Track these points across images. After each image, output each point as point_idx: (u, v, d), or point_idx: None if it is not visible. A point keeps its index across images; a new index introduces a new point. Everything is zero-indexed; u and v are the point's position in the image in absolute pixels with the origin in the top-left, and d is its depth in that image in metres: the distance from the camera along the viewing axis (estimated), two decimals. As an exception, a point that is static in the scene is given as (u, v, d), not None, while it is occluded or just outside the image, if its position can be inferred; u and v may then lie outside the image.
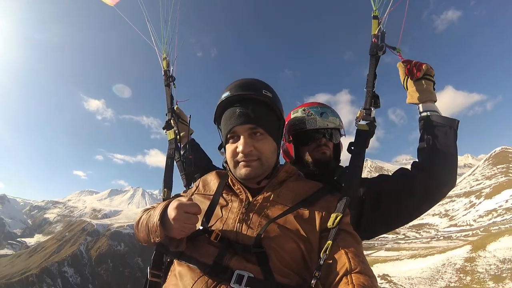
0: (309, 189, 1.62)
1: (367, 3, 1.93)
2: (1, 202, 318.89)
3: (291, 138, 2.19)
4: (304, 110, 2.17)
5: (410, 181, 1.80)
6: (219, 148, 1.78)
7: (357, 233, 1.46)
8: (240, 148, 1.52)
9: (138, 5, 2.60)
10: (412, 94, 1.90)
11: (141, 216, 1.68)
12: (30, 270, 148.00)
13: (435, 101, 1.87)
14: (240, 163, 1.56)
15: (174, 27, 2.54)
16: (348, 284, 1.18)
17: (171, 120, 2.43)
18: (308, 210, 1.49)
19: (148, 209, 1.74)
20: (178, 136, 2.36)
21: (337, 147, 2.24)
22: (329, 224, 1.42)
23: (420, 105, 1.88)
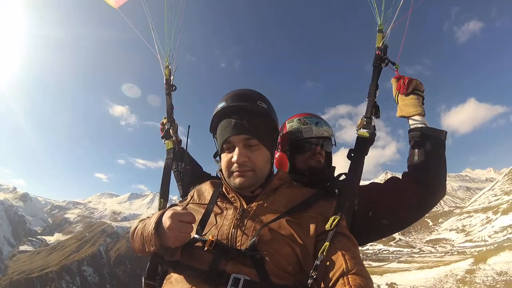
0: (302, 195, 1.64)
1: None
2: (23, 200, 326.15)
3: (286, 147, 2.26)
4: (299, 119, 2.24)
5: (400, 191, 1.85)
6: (214, 157, 1.83)
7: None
8: (234, 158, 1.54)
9: (143, 10, 2.57)
10: (401, 108, 1.95)
11: (137, 226, 1.69)
12: (49, 267, 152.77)
13: (424, 115, 1.91)
14: (235, 173, 1.58)
15: (178, 35, 2.51)
16: (345, 285, 1.19)
17: (171, 130, 2.40)
18: (302, 215, 1.51)
19: (143, 219, 1.76)
20: (177, 147, 2.37)
21: (329, 156, 2.31)
22: (327, 226, 1.43)
23: (410, 119, 1.93)
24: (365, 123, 1.85)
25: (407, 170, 1.89)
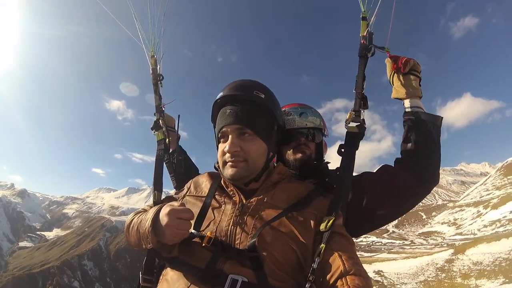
0: (302, 191, 1.59)
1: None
2: (21, 196, 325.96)
3: None
4: (284, 111, 2.13)
5: (392, 179, 1.78)
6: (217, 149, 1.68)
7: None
8: (227, 148, 1.50)
9: (124, 1, 2.43)
10: (397, 89, 1.85)
11: (132, 220, 1.66)
12: (50, 262, 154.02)
13: (420, 97, 1.83)
14: (228, 163, 1.53)
15: (162, 24, 2.43)
16: (344, 286, 1.17)
17: (160, 120, 2.32)
18: (302, 212, 1.46)
19: (139, 212, 1.73)
20: (168, 138, 2.28)
21: (319, 147, 2.20)
22: (322, 227, 1.39)
23: (406, 101, 1.83)
24: (354, 116, 1.80)
25: (400, 156, 1.84)
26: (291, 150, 2.10)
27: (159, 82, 2.41)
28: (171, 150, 2.42)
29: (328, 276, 1.24)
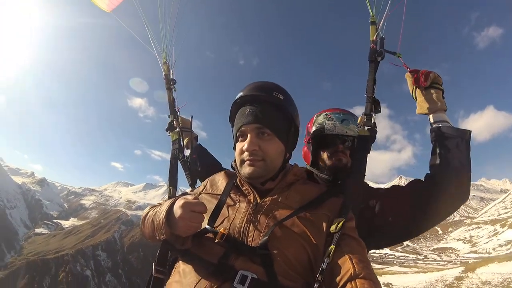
0: (316, 192, 1.60)
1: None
2: (40, 185, 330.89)
3: (309, 140, 2.19)
4: (326, 114, 2.13)
5: (422, 195, 1.75)
6: (234, 149, 1.68)
7: (364, 240, 1.44)
8: (245, 146, 1.51)
9: (136, 11, 2.56)
10: (421, 105, 1.83)
11: (148, 213, 1.69)
12: (64, 250, 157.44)
13: (445, 110, 1.80)
14: (246, 162, 1.54)
15: (173, 32, 2.54)
16: None
17: (174, 122, 2.44)
18: (314, 212, 1.47)
19: (154, 206, 1.75)
20: (182, 138, 2.43)
21: None
22: (332, 229, 1.39)
23: (431, 116, 1.81)
24: (365, 120, 1.82)
25: (429, 172, 1.80)
26: (327, 155, 2.10)
27: (172, 87, 2.60)
28: (186, 153, 2.54)
29: (337, 278, 1.24)
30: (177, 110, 2.58)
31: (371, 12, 1.92)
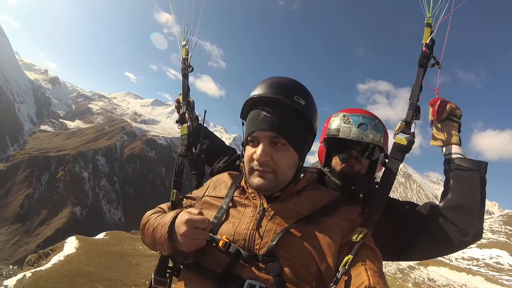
0: (326, 198, 1.52)
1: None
2: (52, 83, 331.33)
3: (324, 141, 2.05)
4: (344, 116, 1.95)
5: (431, 224, 1.65)
6: (243, 145, 1.59)
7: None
8: (256, 155, 1.39)
9: None
10: (435, 136, 1.78)
11: (148, 221, 1.61)
12: (66, 150, 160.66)
13: (459, 144, 1.71)
14: (255, 171, 1.43)
15: (197, 12, 2.28)
16: None
17: (186, 114, 2.23)
18: (326, 220, 1.40)
19: (156, 212, 1.69)
20: (192, 127, 2.24)
21: (373, 164, 1.99)
22: (354, 238, 1.35)
23: (444, 148, 1.75)
24: (404, 127, 1.69)
25: (441, 203, 1.67)
26: (340, 160, 1.96)
27: (189, 74, 2.31)
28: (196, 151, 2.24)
29: None
30: (191, 100, 2.31)
31: (427, 13, 1.78)
